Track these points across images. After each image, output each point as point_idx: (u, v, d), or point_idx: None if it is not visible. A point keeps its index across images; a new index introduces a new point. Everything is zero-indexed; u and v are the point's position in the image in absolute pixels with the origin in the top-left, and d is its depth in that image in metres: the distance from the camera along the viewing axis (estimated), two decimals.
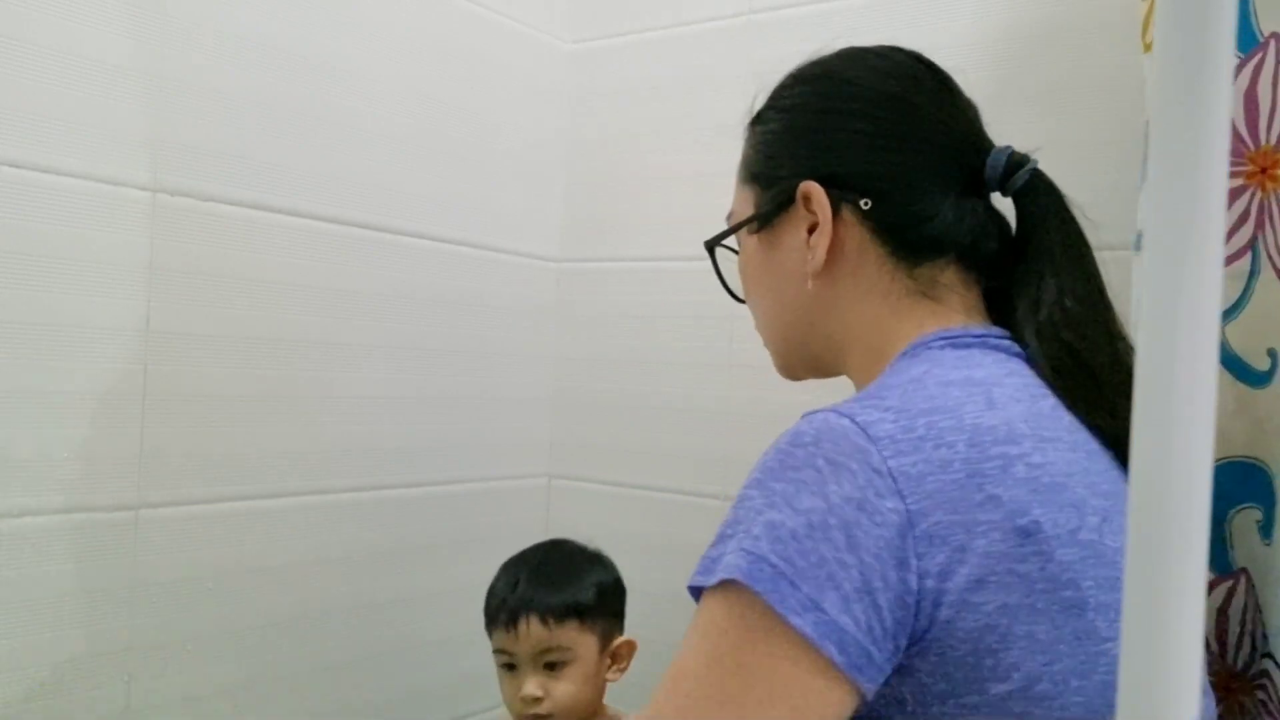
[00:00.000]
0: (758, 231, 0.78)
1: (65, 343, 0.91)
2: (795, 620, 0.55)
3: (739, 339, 1.29)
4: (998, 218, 0.76)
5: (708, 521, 1.30)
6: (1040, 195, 0.74)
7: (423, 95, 1.24)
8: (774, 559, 0.56)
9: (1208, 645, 0.81)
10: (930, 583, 0.56)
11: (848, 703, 0.57)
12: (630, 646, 1.09)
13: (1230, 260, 0.80)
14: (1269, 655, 0.77)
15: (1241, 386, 0.79)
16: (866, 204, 0.73)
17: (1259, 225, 0.79)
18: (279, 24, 1.07)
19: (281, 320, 1.09)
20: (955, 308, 0.73)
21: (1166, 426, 0.24)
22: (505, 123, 1.36)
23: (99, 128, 0.93)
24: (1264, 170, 0.79)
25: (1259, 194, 0.79)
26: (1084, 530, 0.59)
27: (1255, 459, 0.78)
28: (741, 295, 0.85)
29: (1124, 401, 0.68)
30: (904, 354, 0.70)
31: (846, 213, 0.73)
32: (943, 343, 0.69)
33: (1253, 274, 0.79)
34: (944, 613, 0.57)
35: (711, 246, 0.84)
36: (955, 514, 0.57)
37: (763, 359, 1.34)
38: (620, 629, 1.11)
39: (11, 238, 0.87)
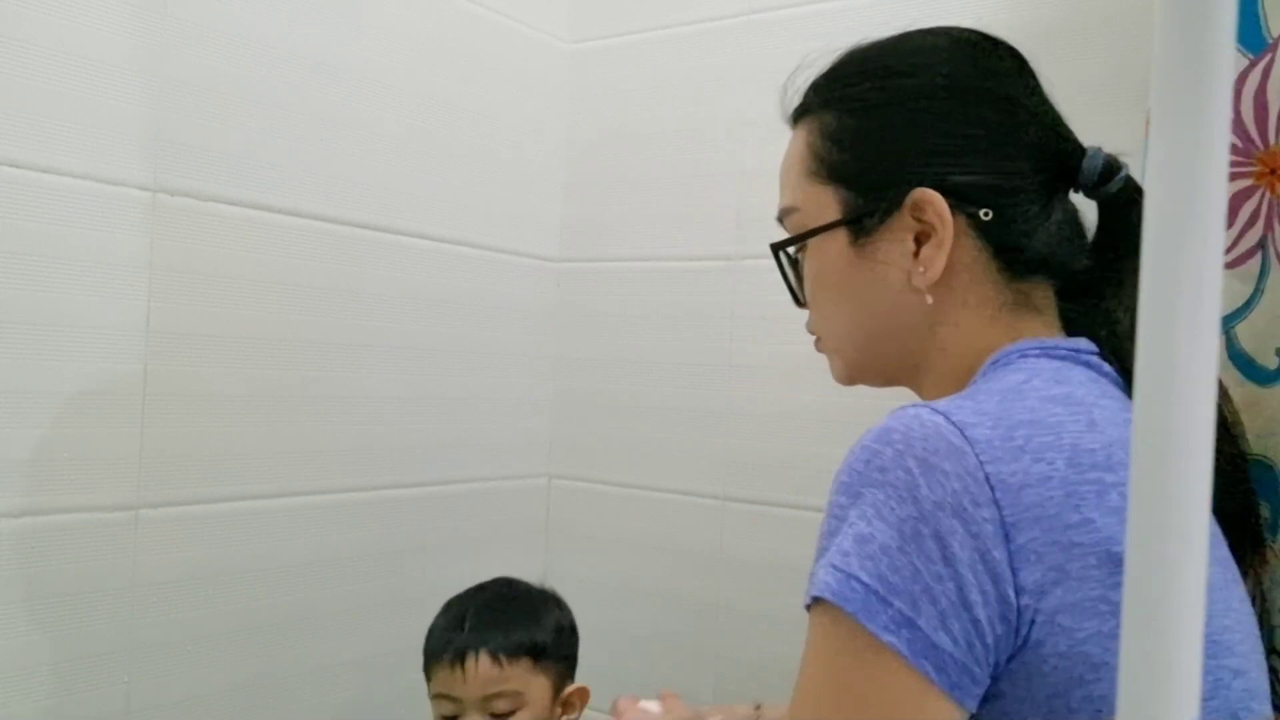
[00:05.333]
0: (855, 240, 0.71)
1: (65, 343, 0.91)
2: (888, 638, 0.52)
3: (739, 339, 1.29)
4: (1079, 225, 0.72)
5: (708, 522, 1.30)
6: (1133, 205, 0.70)
7: (423, 95, 1.24)
8: (864, 576, 0.54)
9: None
10: (1026, 599, 0.54)
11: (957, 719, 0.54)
12: (583, 695, 1.01)
13: (1241, 261, 0.80)
14: (1275, 652, 0.77)
15: (1249, 385, 0.79)
16: (987, 215, 0.68)
17: (1269, 225, 0.79)
18: (280, 24, 1.07)
19: (281, 320, 1.09)
20: (1047, 320, 0.70)
21: (1166, 425, 0.24)
22: (505, 123, 1.36)
23: (99, 128, 0.93)
24: (1273, 171, 0.78)
25: (1269, 194, 0.79)
26: None
27: (1263, 457, 0.78)
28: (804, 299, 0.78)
29: None
30: (994, 362, 0.66)
31: (960, 224, 0.68)
32: (1038, 352, 0.66)
33: (1263, 274, 0.79)
34: (1036, 633, 0.54)
35: (780, 249, 0.77)
36: (1051, 533, 0.54)
37: (763, 359, 1.34)
38: (573, 676, 1.03)
39: (11, 238, 0.87)
